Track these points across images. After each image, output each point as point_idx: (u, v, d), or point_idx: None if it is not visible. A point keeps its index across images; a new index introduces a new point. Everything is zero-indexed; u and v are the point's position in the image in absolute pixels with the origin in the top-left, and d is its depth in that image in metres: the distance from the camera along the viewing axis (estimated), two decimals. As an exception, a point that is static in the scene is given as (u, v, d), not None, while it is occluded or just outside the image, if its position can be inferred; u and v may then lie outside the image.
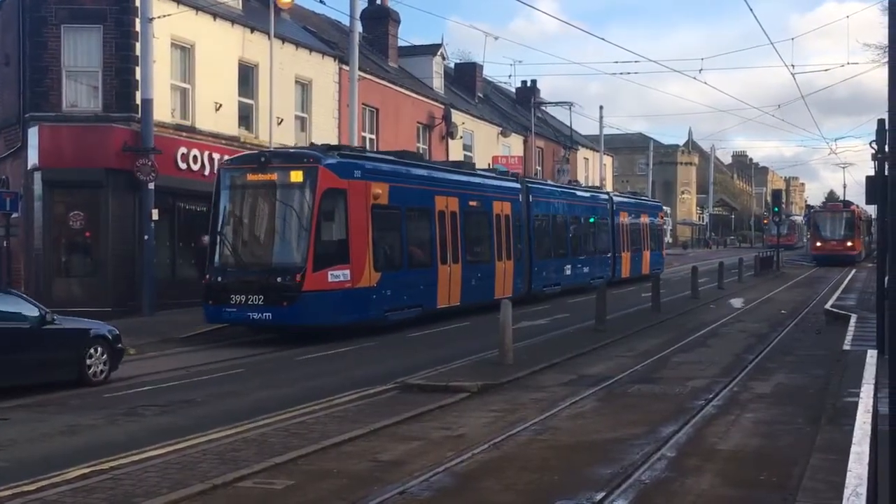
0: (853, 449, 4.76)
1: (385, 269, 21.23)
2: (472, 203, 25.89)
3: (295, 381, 14.74)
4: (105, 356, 14.82)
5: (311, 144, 25.46)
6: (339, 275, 19.72)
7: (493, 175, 29.77)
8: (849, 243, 56.02)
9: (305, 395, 13.14)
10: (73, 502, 7.76)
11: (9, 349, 13.50)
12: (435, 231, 23.64)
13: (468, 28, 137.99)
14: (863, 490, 3.94)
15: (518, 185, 29.96)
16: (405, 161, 23.81)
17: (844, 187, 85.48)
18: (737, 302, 29.70)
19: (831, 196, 67.72)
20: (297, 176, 19.68)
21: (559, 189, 35.70)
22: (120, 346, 15.38)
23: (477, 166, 31.82)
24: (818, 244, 56.85)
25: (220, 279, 19.74)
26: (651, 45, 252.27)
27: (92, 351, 14.65)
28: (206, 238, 21.35)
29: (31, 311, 14.20)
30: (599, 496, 8.03)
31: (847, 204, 60.94)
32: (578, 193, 37.35)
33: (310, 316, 19.18)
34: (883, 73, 35.83)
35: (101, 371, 14.75)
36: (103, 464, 9.04)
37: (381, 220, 21.21)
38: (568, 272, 33.16)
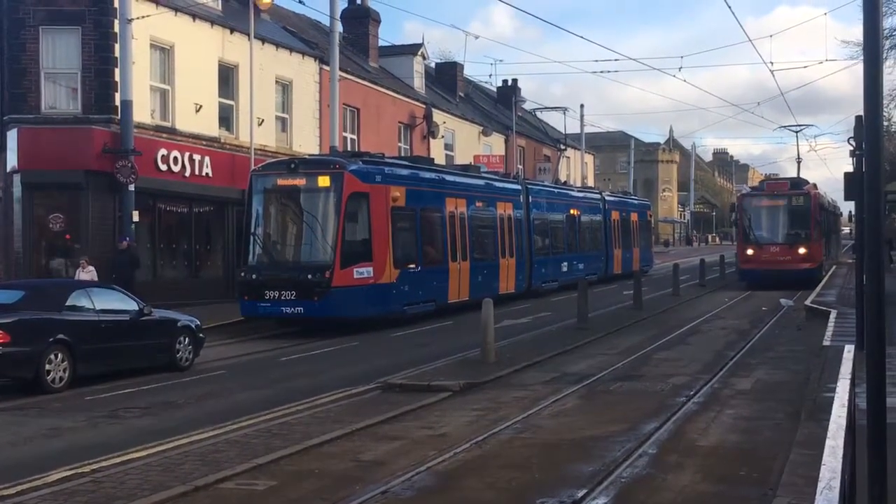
0: (828, 443, 4.81)
1: (403, 267, 22.49)
2: (478, 204, 27.33)
3: (276, 382, 14.72)
4: (190, 344, 16.22)
5: (332, 150, 26.71)
6: (363, 272, 21.13)
7: (496, 177, 31.06)
8: (801, 249, 32.62)
9: (287, 395, 13.13)
10: (54, 505, 7.71)
11: (114, 338, 14.95)
12: (446, 231, 25.12)
13: (438, 28, 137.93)
14: (836, 483, 3.98)
15: (518, 187, 31.37)
16: (419, 166, 25.44)
17: (799, 162, 59.76)
18: (719, 298, 29.80)
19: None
20: (324, 181, 21.16)
21: (556, 189, 36.97)
22: (202, 335, 16.67)
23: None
24: (749, 252, 33.42)
25: (254, 276, 21.02)
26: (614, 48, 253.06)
27: (180, 339, 16.01)
28: None
29: (131, 304, 15.61)
30: (581, 493, 8.06)
31: (797, 184, 35.33)
32: (573, 194, 38.64)
33: (338, 309, 20.55)
34: (843, 75, 36.09)
35: (188, 357, 16.15)
36: (84, 466, 9.01)
37: (399, 220, 22.59)
38: (565, 269, 34.07)
